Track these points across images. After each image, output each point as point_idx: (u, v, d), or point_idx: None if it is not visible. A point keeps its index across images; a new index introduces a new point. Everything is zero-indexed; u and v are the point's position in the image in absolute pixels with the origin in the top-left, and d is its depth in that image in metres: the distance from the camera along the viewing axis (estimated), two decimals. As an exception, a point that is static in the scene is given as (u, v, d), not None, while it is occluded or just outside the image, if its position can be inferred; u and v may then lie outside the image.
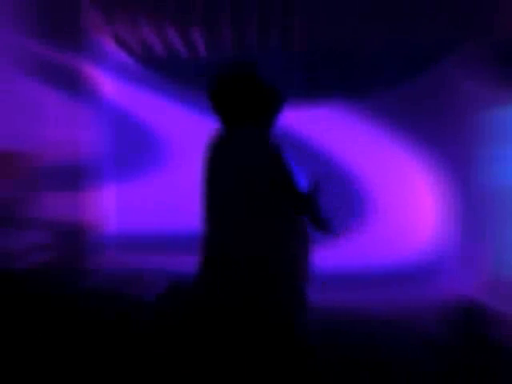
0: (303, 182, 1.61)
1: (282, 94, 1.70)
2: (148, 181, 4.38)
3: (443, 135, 4.28)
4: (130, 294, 3.10)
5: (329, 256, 3.63)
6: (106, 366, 2.25)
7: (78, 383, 2.14)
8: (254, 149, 1.58)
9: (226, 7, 3.73)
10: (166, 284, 2.98)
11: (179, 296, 2.70)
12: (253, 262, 1.55)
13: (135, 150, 4.38)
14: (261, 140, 1.62)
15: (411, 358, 2.49)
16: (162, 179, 4.34)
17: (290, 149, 1.62)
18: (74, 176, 4.07)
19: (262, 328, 1.55)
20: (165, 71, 4.21)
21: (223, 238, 1.61)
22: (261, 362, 1.55)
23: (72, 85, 4.02)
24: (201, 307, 1.65)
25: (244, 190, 1.57)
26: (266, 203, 1.58)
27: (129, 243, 4.20)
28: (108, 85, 4.34)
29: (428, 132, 4.35)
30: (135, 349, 2.35)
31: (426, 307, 3.17)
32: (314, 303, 1.69)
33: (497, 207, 4.11)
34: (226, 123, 1.68)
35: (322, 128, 4.27)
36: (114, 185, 4.34)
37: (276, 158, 1.57)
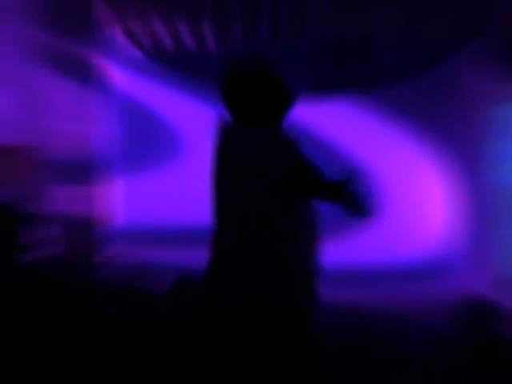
0: (323, 171, 1.60)
1: (293, 90, 1.68)
2: (158, 174, 4.39)
3: (453, 131, 4.26)
4: (138, 288, 3.11)
5: (338, 251, 3.64)
6: (112, 361, 2.27)
7: (85, 377, 2.16)
8: (267, 143, 1.57)
9: (237, 2, 3.72)
10: (175, 278, 2.99)
11: (188, 291, 2.71)
12: (263, 259, 1.55)
13: (146, 142, 4.39)
14: (274, 134, 1.61)
15: (420, 355, 2.48)
16: (172, 172, 4.35)
17: (303, 143, 1.62)
18: (85, 169, 4.09)
19: (271, 326, 1.54)
20: (174, 66, 4.21)
21: (233, 233, 1.59)
22: (270, 359, 1.54)
23: (83, 77, 4.04)
24: (209, 302, 1.63)
25: (257, 185, 1.55)
26: (278, 198, 1.56)
27: (138, 237, 4.22)
28: (119, 77, 4.35)
29: (438, 127, 4.33)
30: (142, 344, 2.36)
31: (436, 304, 3.15)
32: (322, 299, 1.68)
33: (507, 204, 4.08)
34: (238, 118, 1.67)
35: (332, 123, 4.26)
36: (123, 178, 4.37)
37: (291, 149, 1.57)
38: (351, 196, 1.55)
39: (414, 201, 4.32)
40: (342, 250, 3.72)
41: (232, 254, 1.58)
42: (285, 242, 1.58)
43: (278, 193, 1.56)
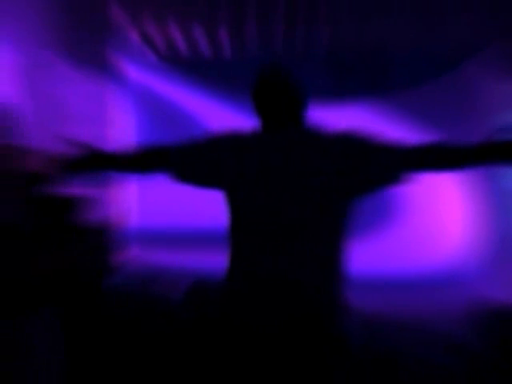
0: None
1: (308, 93, 1.69)
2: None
3: (468, 137, 4.21)
4: (153, 292, 3.11)
5: (356, 259, 3.61)
6: (124, 365, 2.27)
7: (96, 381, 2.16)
8: (327, 141, 1.55)
9: (252, 7, 3.73)
10: (190, 283, 2.98)
11: (204, 295, 2.70)
12: (300, 288, 1.48)
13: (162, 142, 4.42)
14: (320, 133, 1.59)
15: (439, 364, 2.45)
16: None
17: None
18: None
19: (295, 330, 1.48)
20: (190, 69, 4.24)
21: (267, 254, 1.51)
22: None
23: (100, 76, 4.06)
24: (228, 313, 1.58)
25: (311, 190, 1.50)
26: (333, 204, 1.51)
27: (153, 240, 4.23)
28: (136, 77, 4.39)
29: (452, 133, 4.29)
30: (153, 349, 2.35)
31: (455, 312, 3.11)
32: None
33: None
34: (269, 123, 1.64)
35: (348, 128, 4.24)
36: (137, 180, 4.39)
37: (357, 137, 1.57)
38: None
39: (431, 207, 4.29)
40: (360, 256, 3.70)
41: (266, 278, 1.51)
42: (333, 270, 1.54)
43: (338, 204, 1.52)
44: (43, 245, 2.11)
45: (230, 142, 1.65)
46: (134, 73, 4.41)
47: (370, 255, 4.05)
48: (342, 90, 4.20)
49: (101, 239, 2.80)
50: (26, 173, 2.36)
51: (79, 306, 2.26)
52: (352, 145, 1.56)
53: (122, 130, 4.28)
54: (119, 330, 2.47)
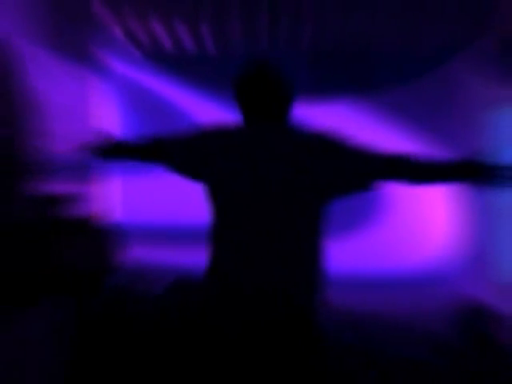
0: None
1: (295, 90, 1.68)
2: (156, 172, 4.39)
3: (453, 135, 4.26)
4: (135, 289, 3.09)
5: (340, 258, 3.63)
6: (109, 364, 2.25)
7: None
8: (306, 140, 1.55)
9: (235, 3, 3.71)
10: (173, 279, 2.97)
11: (185, 291, 2.69)
12: (278, 274, 1.49)
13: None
14: (304, 132, 1.59)
15: (419, 361, 2.48)
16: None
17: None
18: (82, 168, 4.08)
19: (279, 328, 1.49)
20: (174, 66, 4.22)
21: (246, 241, 1.52)
22: (275, 362, 1.49)
23: (84, 71, 4.02)
24: (210, 308, 1.58)
25: (290, 188, 1.49)
26: (309, 203, 1.51)
27: (135, 236, 4.21)
28: (121, 72, 4.36)
29: (438, 131, 4.33)
30: (140, 346, 2.34)
31: (435, 310, 3.15)
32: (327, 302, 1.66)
33: (505, 210, 4.07)
34: (252, 119, 1.64)
35: (332, 125, 4.25)
36: (121, 176, 4.36)
37: (336, 140, 1.55)
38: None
39: (415, 207, 4.32)
40: (345, 256, 3.72)
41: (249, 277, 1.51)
42: (309, 245, 1.55)
43: (318, 200, 1.52)
44: (52, 240, 2.10)
45: (215, 137, 1.64)
46: (119, 68, 4.38)
47: (354, 254, 4.08)
48: (326, 88, 4.21)
49: (105, 236, 2.78)
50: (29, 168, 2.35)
51: (81, 300, 2.25)
52: (328, 147, 1.55)
53: (106, 123, 4.24)
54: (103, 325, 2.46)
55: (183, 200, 3.99)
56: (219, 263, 1.57)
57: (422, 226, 4.33)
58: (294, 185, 1.50)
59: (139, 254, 4.00)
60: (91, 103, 4.09)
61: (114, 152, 1.86)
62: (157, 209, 4.26)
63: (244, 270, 1.50)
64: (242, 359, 1.51)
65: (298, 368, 1.50)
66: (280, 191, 1.50)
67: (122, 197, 4.33)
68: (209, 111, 4.22)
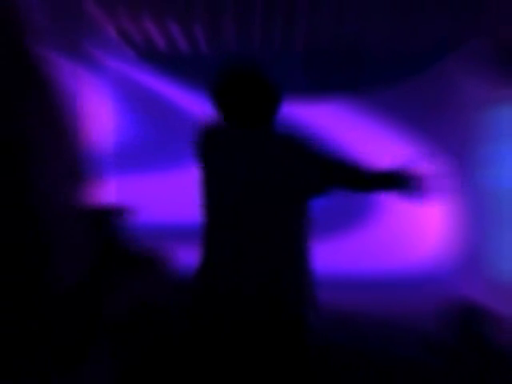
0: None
1: (281, 92, 1.68)
2: (153, 172, 4.39)
3: (446, 134, 4.27)
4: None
5: (334, 256, 3.63)
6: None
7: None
8: (271, 144, 1.56)
9: (229, 3, 3.69)
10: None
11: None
12: (264, 273, 1.51)
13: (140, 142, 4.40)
14: (273, 135, 1.60)
15: (413, 361, 2.48)
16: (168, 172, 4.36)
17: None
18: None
19: (268, 328, 1.51)
20: (167, 65, 4.22)
21: (231, 242, 1.55)
22: (265, 361, 1.51)
23: (79, 69, 4.00)
24: (201, 304, 1.60)
25: (260, 190, 1.52)
26: (282, 204, 1.54)
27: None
28: (115, 70, 4.34)
29: (431, 130, 4.34)
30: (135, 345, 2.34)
31: (430, 310, 3.15)
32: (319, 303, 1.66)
33: (499, 209, 4.08)
34: (230, 121, 1.65)
35: (325, 125, 4.25)
36: (117, 176, 4.35)
37: (296, 143, 1.56)
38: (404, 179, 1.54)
39: (408, 208, 4.33)
40: (337, 255, 3.72)
41: (231, 264, 1.53)
42: (290, 254, 1.56)
43: (286, 197, 1.54)
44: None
45: (205, 138, 1.66)
46: (113, 66, 4.36)
47: (348, 254, 4.08)
48: (319, 87, 4.21)
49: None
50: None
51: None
52: (290, 150, 1.56)
53: (101, 122, 4.22)
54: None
55: (182, 199, 3.99)
56: (204, 264, 1.61)
57: (416, 226, 4.34)
58: (264, 187, 1.53)
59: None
60: (87, 101, 4.07)
61: None
62: (152, 208, 4.24)
63: (226, 271, 1.54)
64: (230, 358, 1.53)
65: (286, 367, 1.52)
66: (252, 193, 1.53)
67: (116, 197, 4.31)
68: (203, 109, 4.21)
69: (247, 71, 1.64)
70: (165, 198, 4.27)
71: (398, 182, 1.55)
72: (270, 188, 1.52)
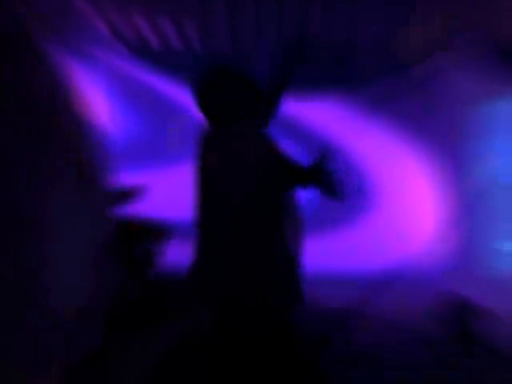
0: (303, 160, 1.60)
1: (263, 93, 1.72)
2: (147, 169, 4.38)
3: (438, 129, 4.28)
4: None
5: (325, 252, 3.63)
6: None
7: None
8: (247, 144, 1.59)
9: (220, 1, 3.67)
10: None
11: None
12: (250, 258, 1.54)
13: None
14: (252, 135, 1.64)
15: (405, 356, 2.49)
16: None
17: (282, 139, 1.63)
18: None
19: (256, 323, 1.53)
20: (158, 61, 4.21)
21: (221, 235, 1.58)
22: (256, 355, 1.53)
23: (72, 65, 3.97)
24: (195, 299, 1.63)
25: (242, 187, 1.56)
26: (263, 198, 1.57)
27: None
28: (109, 66, 4.32)
29: (422, 125, 4.34)
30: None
31: (420, 306, 3.17)
32: (314, 302, 1.66)
33: (493, 205, 4.10)
34: (215, 122, 1.69)
35: (319, 122, 4.25)
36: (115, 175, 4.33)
37: (266, 145, 1.60)
38: (327, 177, 1.57)
39: (401, 204, 4.34)
40: (329, 251, 3.72)
41: (222, 251, 1.57)
42: (273, 239, 1.59)
43: (266, 192, 1.57)
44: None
45: (201, 139, 1.68)
46: (106, 62, 4.34)
47: (339, 252, 4.08)
48: (310, 84, 4.20)
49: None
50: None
51: None
52: (261, 151, 1.61)
53: (96, 117, 4.20)
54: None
55: (182, 199, 3.97)
56: (199, 261, 1.64)
57: (408, 223, 4.34)
58: (244, 184, 1.57)
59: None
60: (80, 97, 4.04)
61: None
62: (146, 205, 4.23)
63: (219, 269, 1.56)
64: (220, 357, 1.55)
65: (275, 364, 1.54)
66: (237, 188, 1.57)
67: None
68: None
69: (226, 74, 1.68)
70: (155, 194, 4.26)
71: (315, 177, 1.57)
72: (245, 185, 1.56)
